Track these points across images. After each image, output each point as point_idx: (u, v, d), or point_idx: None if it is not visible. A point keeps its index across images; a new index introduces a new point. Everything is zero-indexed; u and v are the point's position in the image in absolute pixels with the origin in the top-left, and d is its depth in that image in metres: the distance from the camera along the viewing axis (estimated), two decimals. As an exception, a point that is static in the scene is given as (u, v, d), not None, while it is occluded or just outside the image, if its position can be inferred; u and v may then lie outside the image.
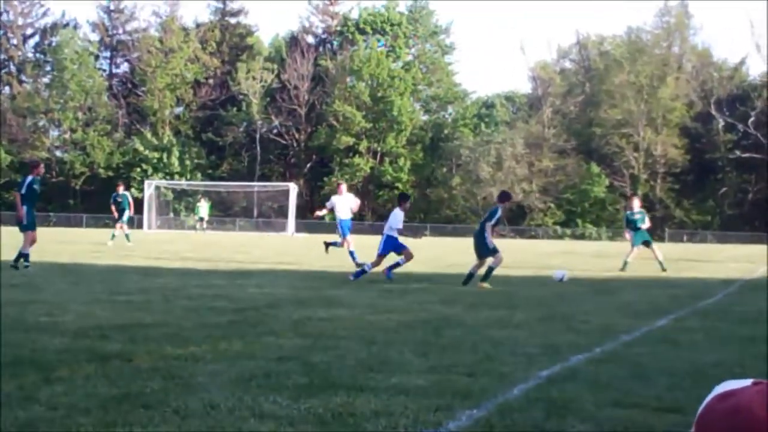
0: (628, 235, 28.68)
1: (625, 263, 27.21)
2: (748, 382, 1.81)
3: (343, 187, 28.33)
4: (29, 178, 21.78)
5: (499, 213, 20.67)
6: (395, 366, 8.46)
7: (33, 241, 21.90)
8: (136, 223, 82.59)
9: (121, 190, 39.66)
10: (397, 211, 22.54)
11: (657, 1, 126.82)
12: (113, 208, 39.32)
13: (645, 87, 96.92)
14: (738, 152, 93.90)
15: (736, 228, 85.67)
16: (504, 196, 22.22)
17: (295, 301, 14.86)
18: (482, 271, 19.79)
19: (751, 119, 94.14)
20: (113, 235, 38.43)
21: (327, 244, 26.41)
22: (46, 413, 6.20)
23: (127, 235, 38.10)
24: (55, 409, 6.33)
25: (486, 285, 18.99)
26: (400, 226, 22.33)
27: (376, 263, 21.78)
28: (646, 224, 28.36)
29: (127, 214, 38.87)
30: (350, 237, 26.55)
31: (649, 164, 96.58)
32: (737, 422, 1.72)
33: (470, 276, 19.94)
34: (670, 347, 10.33)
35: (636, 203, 29.59)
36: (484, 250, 20.32)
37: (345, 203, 27.32)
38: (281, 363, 8.46)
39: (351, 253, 25.91)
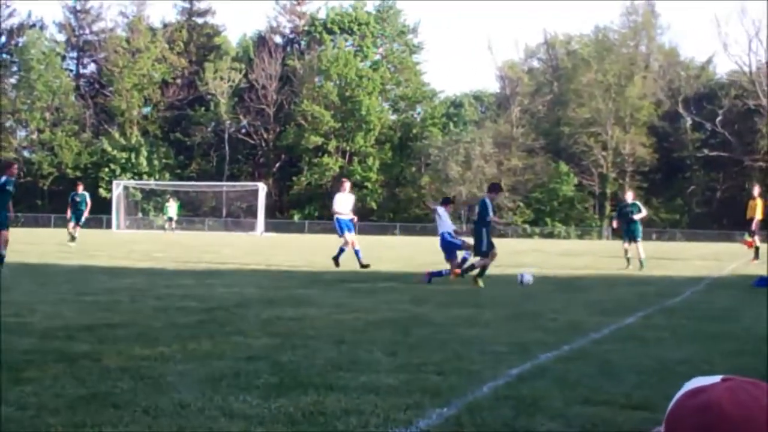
0: (615, 223, 28.82)
1: (640, 262, 27.35)
2: (717, 378, 1.82)
3: (347, 184, 27.36)
4: (3, 178, 21.61)
5: (490, 204, 20.66)
6: (364, 365, 8.46)
7: (6, 242, 21.74)
8: (105, 223, 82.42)
9: (80, 189, 39.33)
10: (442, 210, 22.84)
11: (624, 0, 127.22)
12: (69, 207, 39.01)
13: (613, 86, 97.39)
14: (706, 151, 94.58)
15: (705, 226, 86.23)
16: (494, 188, 22.09)
17: (263, 300, 14.83)
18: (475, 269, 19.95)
19: (719, 118, 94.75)
20: (73, 237, 37.96)
21: (336, 259, 25.62)
22: (15, 413, 6.17)
23: (73, 236, 37.83)
24: (23, 409, 6.30)
25: (480, 282, 19.11)
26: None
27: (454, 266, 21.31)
28: (642, 213, 28.43)
29: (84, 216, 38.71)
30: (353, 235, 26.00)
31: (618, 163, 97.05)
32: (707, 418, 1.73)
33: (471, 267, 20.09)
34: (638, 345, 10.38)
35: (630, 195, 29.77)
36: (480, 247, 20.33)
37: (347, 201, 26.48)
38: (250, 362, 8.45)
39: (356, 252, 25.50)
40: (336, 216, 26.22)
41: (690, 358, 9.31)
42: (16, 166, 23.29)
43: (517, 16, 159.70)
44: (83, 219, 38.10)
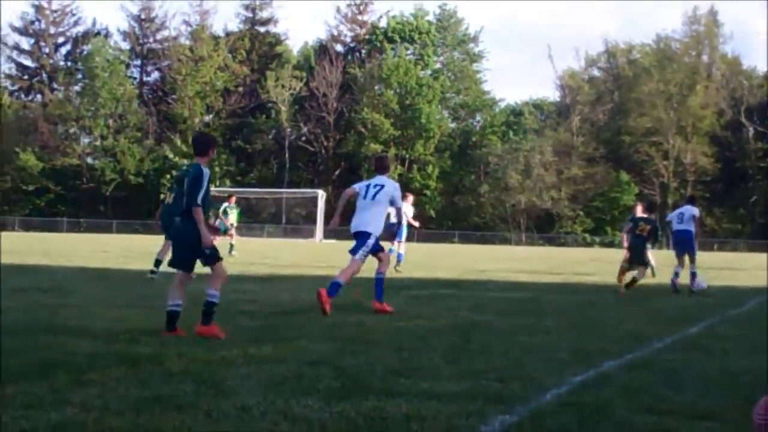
0: (625, 239, 28.70)
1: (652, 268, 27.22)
2: None
3: (411, 198, 29.89)
4: None
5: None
6: (425, 371, 8.43)
7: None
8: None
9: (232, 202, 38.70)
10: None
11: (686, 9, 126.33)
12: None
13: (674, 95, 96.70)
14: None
15: (767, 236, 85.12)
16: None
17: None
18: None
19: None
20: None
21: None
22: (79, 415, 6.21)
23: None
24: (87, 410, 6.33)
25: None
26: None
27: None
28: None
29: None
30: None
31: (679, 172, 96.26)
32: None
33: None
34: (701, 354, 10.26)
35: (639, 208, 29.52)
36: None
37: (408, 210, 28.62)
38: (312, 367, 8.44)
39: (399, 256, 27.43)
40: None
41: (755, 368, 9.18)
42: None
43: (578, 25, 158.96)
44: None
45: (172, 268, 11.26)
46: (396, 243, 28.50)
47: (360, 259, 14.37)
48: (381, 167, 15.20)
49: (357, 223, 14.45)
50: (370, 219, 14.34)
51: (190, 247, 10.67)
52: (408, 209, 29.26)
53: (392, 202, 14.61)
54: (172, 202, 15.97)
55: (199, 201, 10.45)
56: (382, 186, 14.49)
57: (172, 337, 10.34)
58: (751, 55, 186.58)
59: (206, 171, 10.57)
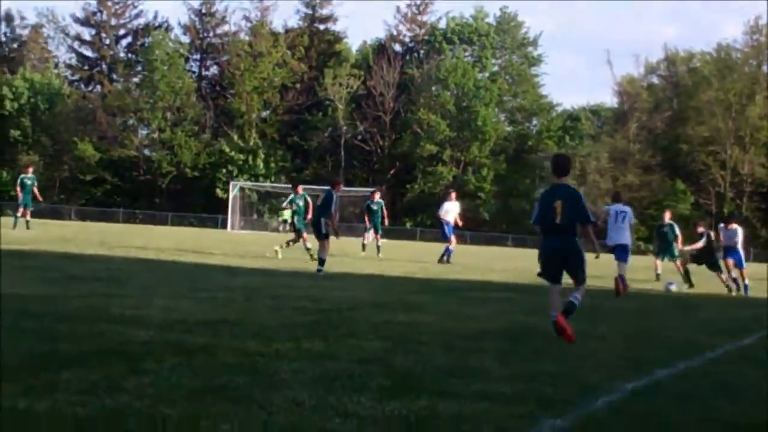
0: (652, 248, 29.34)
1: (657, 275, 27.94)
2: None
3: (454, 194, 34.69)
4: None
5: (334, 198, 23.57)
6: (477, 372, 8.43)
7: None
8: (220, 222, 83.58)
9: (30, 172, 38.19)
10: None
11: (747, 18, 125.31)
12: (18, 190, 37.77)
13: (733, 105, 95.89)
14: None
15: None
16: (335, 183, 25.41)
17: (375, 304, 14.84)
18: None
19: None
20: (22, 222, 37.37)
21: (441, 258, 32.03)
22: (133, 402, 6.27)
23: (27, 222, 37.37)
24: (141, 398, 6.40)
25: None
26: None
27: None
28: (678, 237, 28.98)
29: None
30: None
31: (736, 183, 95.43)
32: None
33: None
34: (756, 365, 10.20)
35: (667, 215, 30.05)
36: (318, 233, 23.88)
37: (454, 209, 33.06)
38: (363, 364, 8.46)
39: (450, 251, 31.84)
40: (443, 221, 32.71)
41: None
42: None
43: (638, 31, 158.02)
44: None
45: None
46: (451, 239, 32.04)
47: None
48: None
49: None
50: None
51: None
52: (455, 207, 31.67)
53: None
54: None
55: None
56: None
57: (226, 328, 10.41)
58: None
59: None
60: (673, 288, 24.47)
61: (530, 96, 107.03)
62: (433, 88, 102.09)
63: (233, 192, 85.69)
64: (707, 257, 26.21)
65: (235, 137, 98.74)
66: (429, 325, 12.30)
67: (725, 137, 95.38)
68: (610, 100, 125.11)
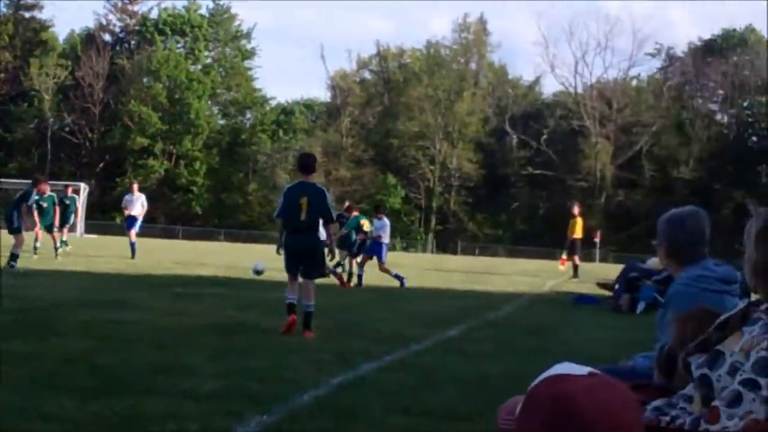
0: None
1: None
2: (584, 370, 1.85)
3: (135, 186, 33.32)
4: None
5: (33, 194, 24.33)
6: (185, 370, 8.36)
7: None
8: None
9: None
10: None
11: (456, 16, 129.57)
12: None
13: (442, 101, 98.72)
14: (530, 169, 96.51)
15: (527, 242, 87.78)
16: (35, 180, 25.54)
17: (82, 302, 14.50)
18: None
19: (544, 137, 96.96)
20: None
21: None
22: None
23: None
24: None
25: None
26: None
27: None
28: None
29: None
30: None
31: (444, 177, 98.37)
32: (560, 408, 1.75)
33: None
34: (459, 356, 10.50)
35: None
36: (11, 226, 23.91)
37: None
38: (67, 364, 8.24)
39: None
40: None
41: (509, 371, 9.43)
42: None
43: (351, 27, 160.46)
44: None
45: None
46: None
47: None
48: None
49: None
50: None
51: None
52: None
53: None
54: None
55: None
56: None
57: None
58: (516, 64, 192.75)
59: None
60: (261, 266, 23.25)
61: (244, 89, 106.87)
62: (145, 80, 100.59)
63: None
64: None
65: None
66: (139, 322, 12.11)
67: (434, 132, 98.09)
68: (323, 94, 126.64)
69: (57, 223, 28.38)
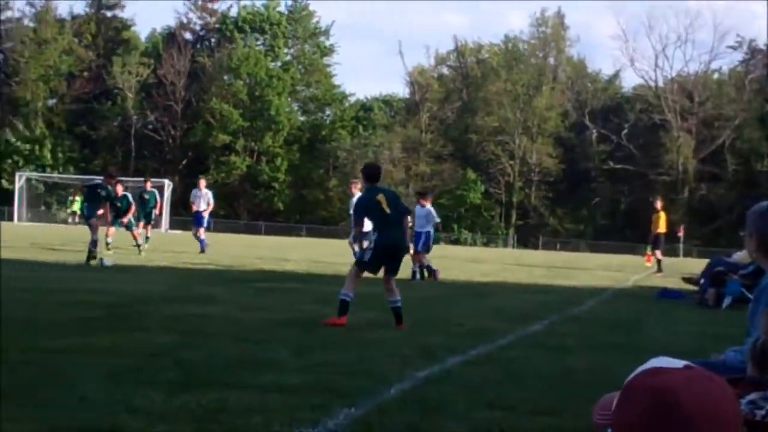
0: None
1: None
2: (680, 363, 1.82)
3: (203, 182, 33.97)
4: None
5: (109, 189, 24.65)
6: (269, 364, 8.39)
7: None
8: (6, 215, 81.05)
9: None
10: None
11: (534, 10, 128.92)
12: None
13: (521, 95, 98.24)
14: (611, 163, 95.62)
15: (608, 237, 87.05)
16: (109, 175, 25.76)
17: (166, 297, 14.66)
18: None
19: (624, 131, 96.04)
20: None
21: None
22: None
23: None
24: None
25: None
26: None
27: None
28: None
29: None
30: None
31: (524, 172, 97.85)
32: (660, 400, 1.73)
33: None
34: (543, 351, 10.44)
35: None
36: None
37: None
38: (153, 359, 8.32)
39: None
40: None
41: (592, 366, 9.36)
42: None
43: (429, 23, 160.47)
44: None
45: None
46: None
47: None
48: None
49: None
50: None
51: None
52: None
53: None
54: None
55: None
56: None
57: (13, 325, 10.05)
58: (595, 59, 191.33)
59: None
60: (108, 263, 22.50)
61: (323, 86, 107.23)
62: (225, 77, 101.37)
63: (19, 183, 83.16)
64: None
65: (21, 126, 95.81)
66: (220, 317, 12.22)
67: (513, 127, 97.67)
68: (402, 90, 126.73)
69: (125, 219, 28.18)
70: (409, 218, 19.46)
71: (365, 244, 13.40)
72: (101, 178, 25.26)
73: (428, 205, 24.86)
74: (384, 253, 12.32)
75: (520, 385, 8.01)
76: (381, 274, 12.39)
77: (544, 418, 6.71)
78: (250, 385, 7.22)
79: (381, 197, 12.32)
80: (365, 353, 9.44)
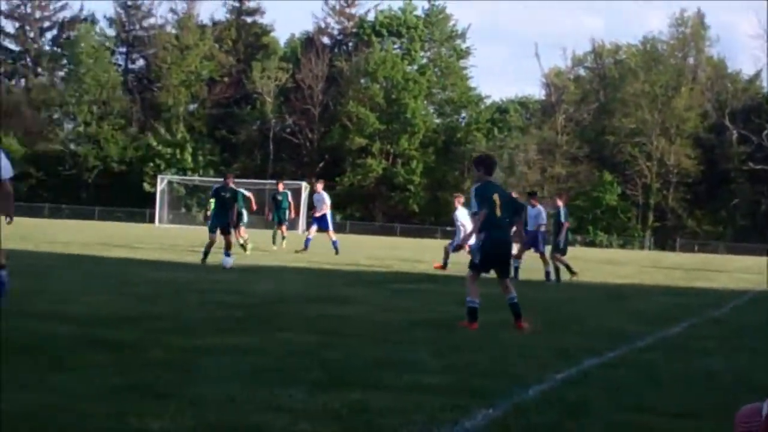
0: None
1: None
2: None
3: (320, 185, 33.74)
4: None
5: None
6: (408, 364, 8.41)
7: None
8: (148, 217, 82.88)
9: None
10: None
11: (673, 11, 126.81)
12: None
13: (659, 96, 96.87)
14: (751, 164, 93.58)
15: (748, 239, 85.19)
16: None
17: (306, 297, 14.81)
18: None
19: (765, 132, 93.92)
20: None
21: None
22: (58, 400, 6.14)
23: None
24: (66, 396, 6.27)
25: None
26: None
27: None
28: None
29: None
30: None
31: (662, 174, 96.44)
32: None
33: None
34: (683, 354, 10.26)
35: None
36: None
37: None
38: (294, 358, 8.42)
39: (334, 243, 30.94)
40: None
41: (734, 368, 9.19)
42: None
43: (565, 24, 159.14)
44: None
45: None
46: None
47: None
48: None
49: None
50: None
51: None
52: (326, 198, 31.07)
53: None
54: None
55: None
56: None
57: (153, 323, 10.29)
58: (736, 58, 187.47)
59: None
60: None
61: (459, 88, 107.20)
62: (362, 81, 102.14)
63: (161, 186, 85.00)
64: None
65: (163, 131, 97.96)
66: (360, 317, 12.29)
67: (651, 129, 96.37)
68: (538, 92, 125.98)
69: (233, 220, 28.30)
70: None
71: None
72: (221, 180, 25.31)
73: (539, 206, 24.67)
74: (492, 254, 12.19)
75: (659, 387, 7.90)
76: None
77: (685, 421, 6.61)
78: (390, 386, 7.25)
79: (496, 197, 12.12)
80: (501, 354, 9.41)
